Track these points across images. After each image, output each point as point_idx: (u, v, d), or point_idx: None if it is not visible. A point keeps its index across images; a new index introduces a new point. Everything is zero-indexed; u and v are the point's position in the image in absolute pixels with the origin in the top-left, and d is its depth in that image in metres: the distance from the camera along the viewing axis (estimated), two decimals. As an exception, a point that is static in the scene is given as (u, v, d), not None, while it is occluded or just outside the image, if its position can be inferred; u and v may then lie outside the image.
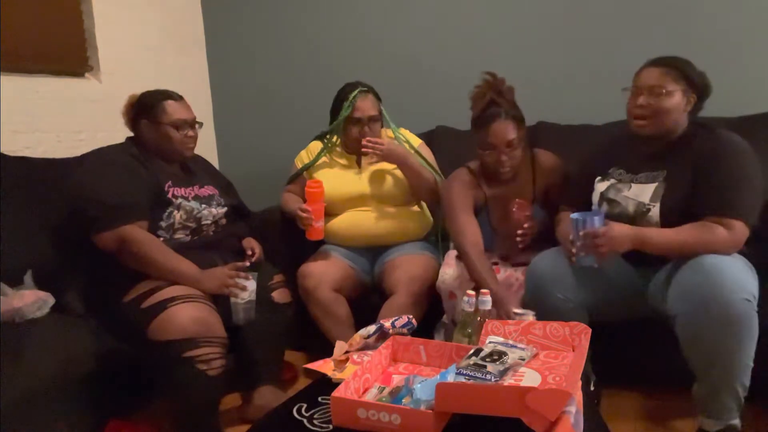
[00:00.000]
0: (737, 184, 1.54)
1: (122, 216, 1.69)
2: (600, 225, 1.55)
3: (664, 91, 1.59)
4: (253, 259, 1.99)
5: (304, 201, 2.08)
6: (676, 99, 1.61)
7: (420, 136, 2.39)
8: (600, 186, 1.76)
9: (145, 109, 1.87)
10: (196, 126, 1.94)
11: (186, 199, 1.86)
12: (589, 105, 2.42)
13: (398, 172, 2.18)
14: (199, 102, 2.93)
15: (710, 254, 1.49)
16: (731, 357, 1.45)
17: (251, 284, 1.79)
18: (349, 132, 2.18)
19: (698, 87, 1.63)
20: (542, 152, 2.01)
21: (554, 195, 1.97)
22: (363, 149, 2.09)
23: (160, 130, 1.86)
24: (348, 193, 2.17)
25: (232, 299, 1.77)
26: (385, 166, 2.19)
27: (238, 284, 1.77)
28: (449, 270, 1.95)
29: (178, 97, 1.91)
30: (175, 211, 1.82)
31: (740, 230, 1.52)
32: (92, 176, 1.77)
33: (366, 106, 2.15)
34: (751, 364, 1.47)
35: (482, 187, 1.99)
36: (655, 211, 1.62)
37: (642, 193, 1.66)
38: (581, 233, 1.56)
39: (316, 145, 2.30)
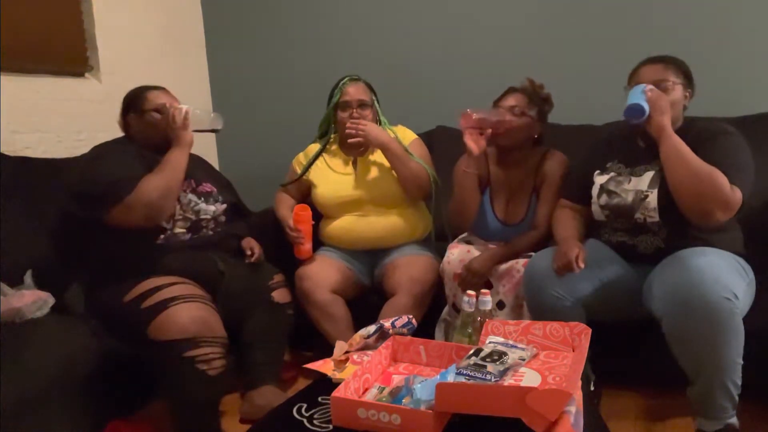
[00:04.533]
0: (733, 158, 1.57)
1: (128, 185, 1.70)
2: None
3: (670, 82, 1.63)
4: (253, 259, 1.99)
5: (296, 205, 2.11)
6: (679, 92, 1.66)
7: (420, 136, 2.38)
8: (599, 179, 1.78)
9: (129, 103, 1.91)
10: None
11: (183, 191, 1.86)
12: (589, 105, 2.42)
13: (393, 177, 2.16)
14: (199, 102, 2.93)
15: (708, 203, 1.50)
16: (718, 356, 1.45)
17: (177, 103, 1.89)
18: (339, 117, 2.18)
19: (693, 82, 1.68)
20: (557, 153, 2.03)
21: (546, 192, 1.99)
22: (347, 131, 2.09)
23: (144, 118, 1.88)
24: (345, 197, 2.17)
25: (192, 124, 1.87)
26: (381, 167, 2.18)
27: (172, 111, 1.83)
28: (455, 251, 1.96)
29: (159, 88, 1.94)
30: None
31: (738, 195, 1.52)
32: (91, 163, 1.79)
33: (355, 91, 2.17)
34: (740, 362, 1.47)
35: (489, 167, 2.08)
36: (652, 197, 1.64)
37: (640, 182, 1.68)
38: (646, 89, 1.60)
39: (314, 148, 2.30)
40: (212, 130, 2.02)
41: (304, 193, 2.29)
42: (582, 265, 1.62)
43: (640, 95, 1.60)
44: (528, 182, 2.02)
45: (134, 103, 1.90)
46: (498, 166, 2.07)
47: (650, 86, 1.62)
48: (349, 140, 2.09)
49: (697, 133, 1.63)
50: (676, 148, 1.56)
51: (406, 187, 2.15)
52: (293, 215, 2.11)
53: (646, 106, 1.58)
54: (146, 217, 1.73)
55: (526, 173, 2.03)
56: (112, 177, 1.71)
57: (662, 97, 1.59)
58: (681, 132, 1.64)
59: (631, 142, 1.76)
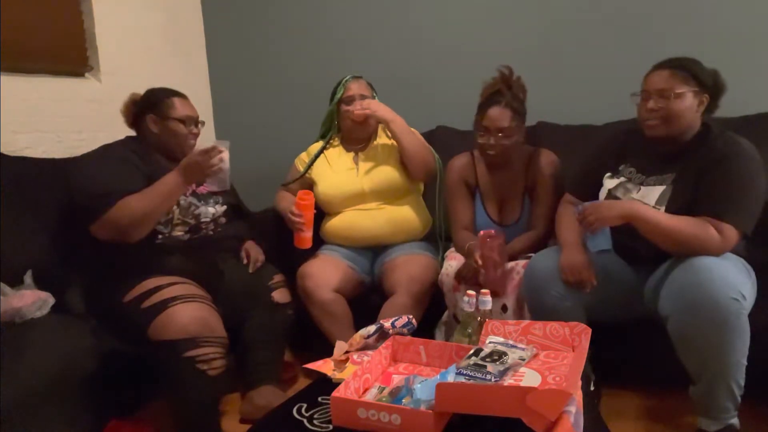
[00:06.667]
0: (737, 190, 1.54)
1: (109, 202, 1.69)
2: None
3: (673, 93, 1.58)
4: (250, 270, 2.00)
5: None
6: (687, 101, 1.59)
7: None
8: (609, 182, 1.76)
9: (151, 104, 1.89)
10: (199, 125, 1.95)
11: (183, 194, 1.86)
12: (589, 105, 2.42)
13: (394, 168, 2.17)
14: (199, 102, 2.91)
15: (699, 255, 1.49)
16: (723, 356, 1.45)
17: (226, 154, 1.74)
18: (342, 113, 2.20)
19: (709, 86, 1.62)
20: (545, 152, 2.03)
21: (540, 192, 1.99)
22: (354, 115, 2.14)
23: (167, 125, 1.87)
24: (346, 192, 2.17)
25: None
26: (382, 159, 2.19)
27: (216, 160, 1.71)
28: (453, 263, 1.96)
29: (183, 95, 1.94)
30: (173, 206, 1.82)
31: (730, 235, 1.52)
32: (86, 170, 1.78)
33: (357, 86, 2.20)
34: (745, 363, 1.47)
35: (477, 172, 2.07)
36: None
37: (649, 195, 1.66)
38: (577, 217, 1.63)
39: (316, 147, 2.31)
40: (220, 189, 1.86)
41: None
42: (595, 283, 1.64)
43: (591, 241, 1.68)
44: (519, 183, 2.03)
45: (157, 106, 1.88)
46: (486, 170, 2.07)
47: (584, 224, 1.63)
48: (357, 111, 2.13)
49: (718, 152, 1.58)
50: (652, 226, 1.56)
51: (412, 163, 2.16)
52: (296, 200, 2.06)
53: (607, 243, 1.67)
54: (114, 237, 1.71)
55: (515, 174, 2.03)
56: (100, 190, 1.70)
57: (595, 214, 1.59)
58: (696, 140, 1.63)
59: (648, 146, 1.71)
